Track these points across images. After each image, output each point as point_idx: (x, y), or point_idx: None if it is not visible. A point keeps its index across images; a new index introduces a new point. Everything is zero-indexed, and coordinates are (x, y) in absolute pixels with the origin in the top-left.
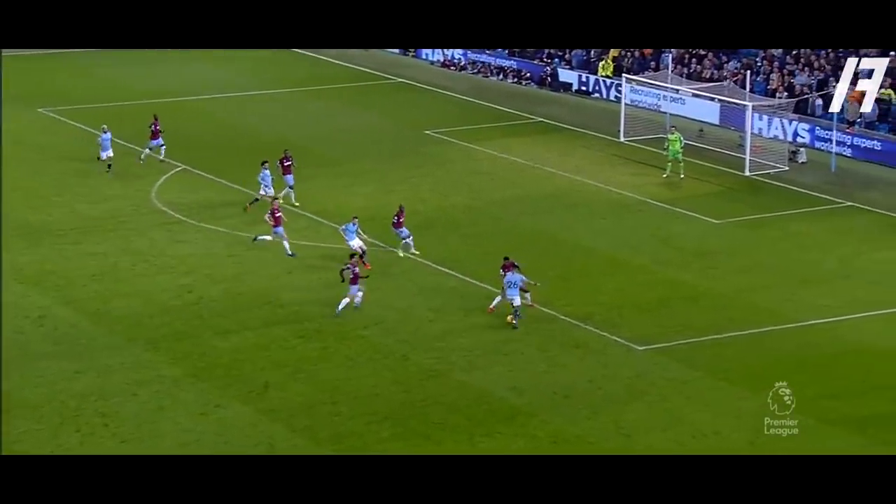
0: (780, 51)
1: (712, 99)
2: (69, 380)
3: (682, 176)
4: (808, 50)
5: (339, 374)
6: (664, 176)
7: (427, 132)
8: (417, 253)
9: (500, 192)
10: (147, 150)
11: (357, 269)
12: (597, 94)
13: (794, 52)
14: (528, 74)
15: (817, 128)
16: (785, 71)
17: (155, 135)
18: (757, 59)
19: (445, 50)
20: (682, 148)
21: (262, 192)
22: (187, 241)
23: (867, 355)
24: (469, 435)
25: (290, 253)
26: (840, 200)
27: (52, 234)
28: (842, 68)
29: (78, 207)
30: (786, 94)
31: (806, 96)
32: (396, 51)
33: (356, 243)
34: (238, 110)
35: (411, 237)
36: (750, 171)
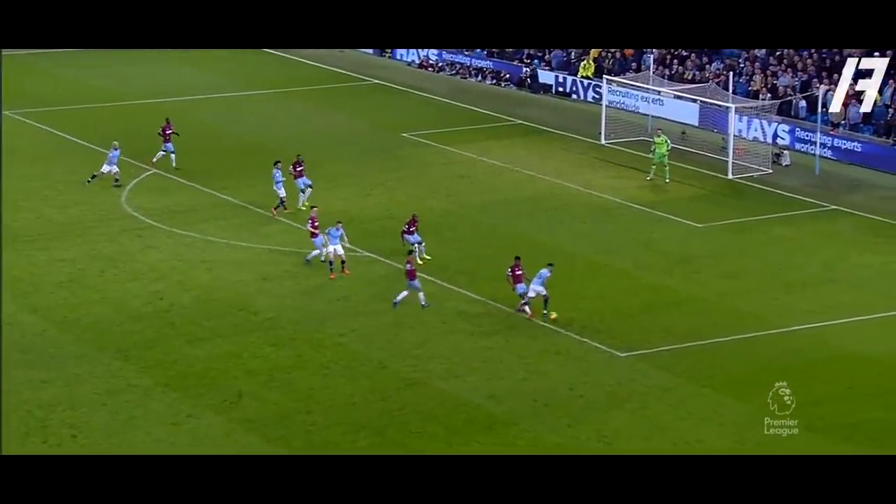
0: (762, 51)
1: (694, 101)
2: (36, 389)
3: (667, 180)
4: (791, 51)
5: (314, 382)
6: (648, 178)
7: (404, 135)
8: (429, 258)
9: (478, 195)
10: (161, 153)
11: (411, 266)
12: (576, 96)
13: (777, 53)
14: (507, 76)
15: (799, 129)
16: (768, 72)
17: (166, 139)
18: (739, 60)
19: (422, 50)
20: (668, 151)
21: (281, 195)
22: (158, 246)
23: (852, 361)
24: (447, 444)
25: (307, 259)
26: (824, 204)
27: (19, 240)
28: (826, 69)
29: (45, 212)
30: (769, 95)
31: (789, 98)
32: (371, 51)
33: (339, 249)
34: (210, 112)
35: (423, 244)
36: (733, 174)
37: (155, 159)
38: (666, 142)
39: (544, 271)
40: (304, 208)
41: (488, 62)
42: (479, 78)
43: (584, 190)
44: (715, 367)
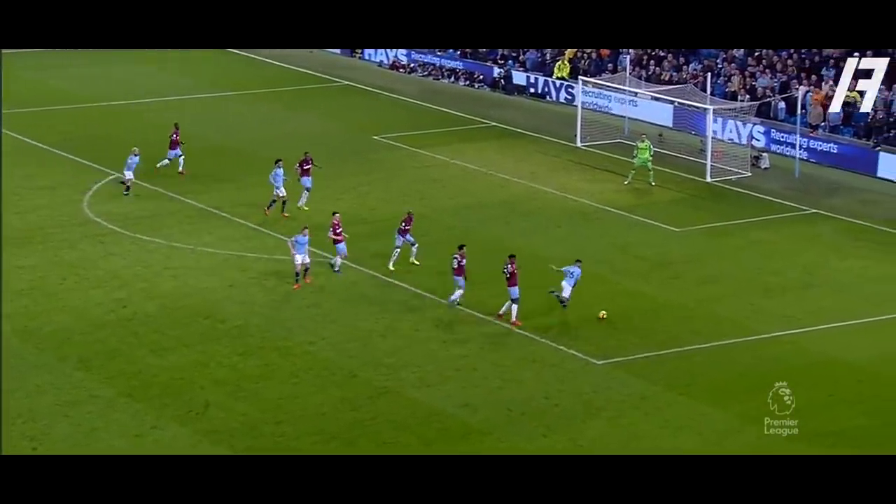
0: (741, 52)
1: (671, 102)
2: None
3: (652, 183)
4: (770, 51)
5: (283, 392)
6: (626, 183)
7: (375, 137)
8: (418, 263)
9: (451, 199)
10: (166, 161)
11: (463, 262)
12: (551, 97)
13: (755, 54)
14: (481, 77)
15: (776, 131)
16: (746, 73)
17: (174, 145)
18: (717, 61)
19: (393, 51)
20: (651, 156)
21: (276, 193)
22: (121, 253)
23: (833, 368)
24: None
25: (337, 269)
26: (804, 207)
27: None
28: (806, 70)
29: (4, 218)
30: (747, 97)
31: (769, 99)
32: (338, 51)
33: (306, 258)
34: (175, 115)
35: (416, 245)
36: (711, 177)
37: (159, 164)
38: (649, 146)
39: (575, 269)
40: (305, 209)
41: (461, 63)
42: (452, 79)
43: (559, 193)
44: (693, 374)
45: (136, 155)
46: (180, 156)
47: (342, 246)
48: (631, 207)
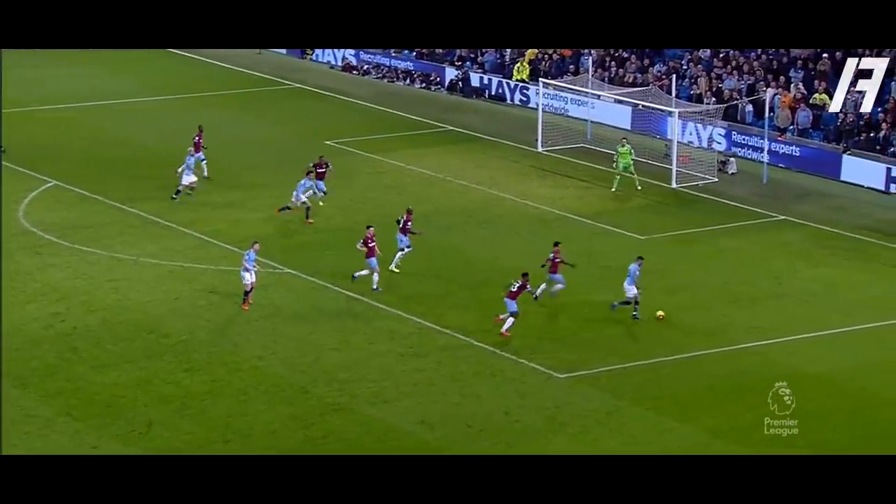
0: (707, 53)
1: (635, 105)
2: None
3: (638, 187)
4: (736, 52)
5: (230, 409)
6: (612, 190)
7: (328, 142)
8: (397, 271)
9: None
10: (204, 163)
11: (557, 258)
12: (511, 100)
13: (721, 55)
14: (438, 79)
15: (737, 133)
16: (713, 74)
17: (197, 147)
18: (682, 62)
19: (347, 52)
20: (633, 158)
21: (294, 201)
22: (60, 264)
23: (802, 380)
24: None
25: (375, 287)
26: (772, 214)
27: None
28: (773, 71)
29: None
30: (713, 99)
31: (735, 102)
32: (284, 51)
33: (252, 276)
34: (118, 119)
35: (408, 250)
36: (677, 183)
37: (178, 171)
38: (630, 151)
39: (634, 267)
40: (321, 204)
41: (416, 64)
42: (408, 81)
43: (520, 200)
44: (660, 387)
45: (191, 156)
46: (203, 160)
47: (373, 260)
48: (594, 215)
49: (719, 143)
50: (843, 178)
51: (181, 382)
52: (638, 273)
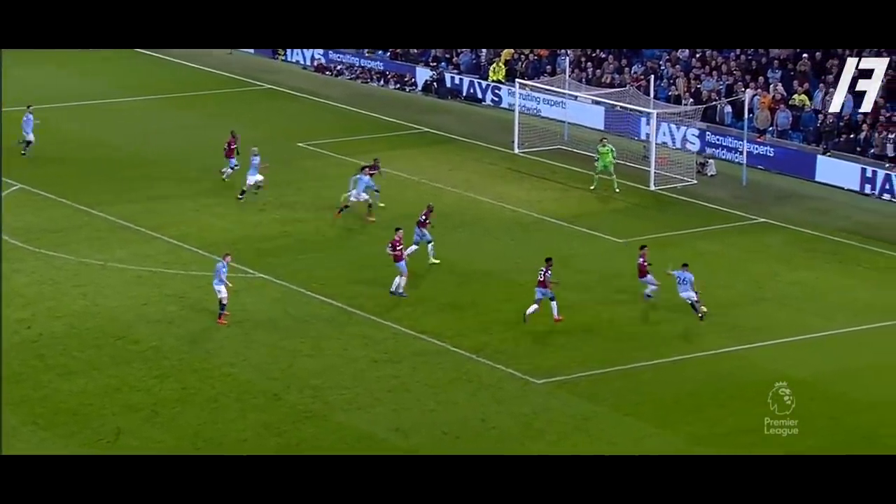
0: (685, 53)
1: (613, 107)
2: None
3: (616, 190)
4: (715, 52)
5: (201, 417)
6: (591, 188)
7: (300, 144)
8: (437, 261)
9: (382, 210)
10: (229, 170)
11: (644, 261)
12: (487, 101)
13: (699, 55)
14: (412, 80)
15: (713, 134)
16: (691, 75)
17: (230, 153)
18: (660, 63)
19: (318, 52)
20: (614, 159)
21: (350, 198)
22: (25, 270)
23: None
24: None
25: (401, 292)
26: (752, 216)
27: None
28: (752, 72)
29: None
30: (691, 100)
31: (714, 103)
32: (252, 51)
33: (223, 290)
34: (87, 121)
35: (432, 243)
36: (655, 186)
37: (224, 177)
38: (611, 151)
39: (686, 274)
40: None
41: (390, 65)
42: (381, 82)
43: (496, 203)
44: (639, 393)
45: (256, 155)
46: (236, 166)
47: (402, 264)
48: (572, 218)
49: (693, 144)
50: (822, 180)
51: (151, 390)
52: (685, 277)
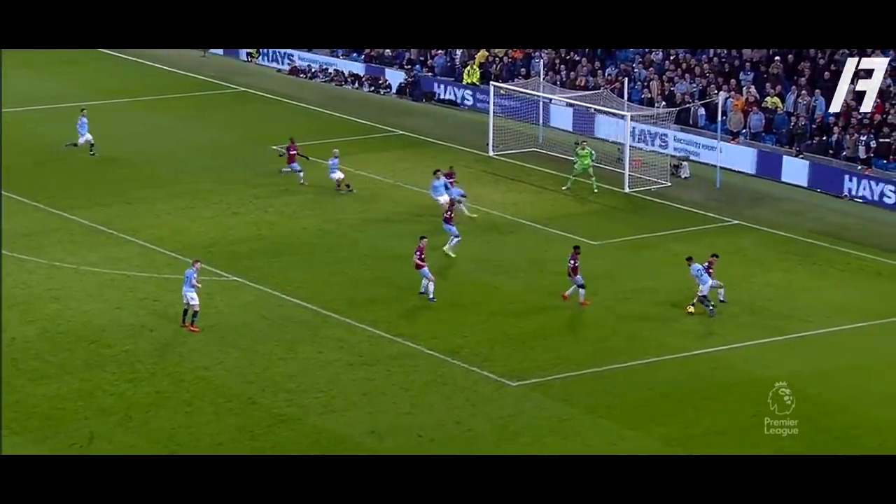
0: (658, 55)
1: (587, 109)
2: None
3: (595, 191)
4: (688, 55)
5: (175, 421)
6: (564, 188)
7: (274, 147)
8: (453, 255)
9: (357, 213)
10: (301, 174)
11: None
12: (461, 104)
13: (672, 57)
14: (387, 83)
15: (680, 135)
16: (664, 78)
17: (291, 159)
18: (634, 65)
19: (293, 54)
20: (592, 162)
21: (438, 200)
22: None
23: (757, 386)
24: None
25: (432, 298)
26: (726, 218)
27: None
28: (724, 74)
29: None
30: (664, 103)
31: (688, 105)
32: (221, 51)
33: (194, 298)
34: (57, 123)
35: (458, 239)
36: (630, 188)
37: (302, 183)
38: (590, 153)
39: (696, 267)
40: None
41: (366, 68)
42: (356, 85)
43: (472, 205)
44: (613, 395)
45: (336, 157)
46: (299, 171)
47: (426, 270)
48: (547, 220)
49: (664, 146)
50: (795, 182)
51: (124, 394)
52: (700, 270)
